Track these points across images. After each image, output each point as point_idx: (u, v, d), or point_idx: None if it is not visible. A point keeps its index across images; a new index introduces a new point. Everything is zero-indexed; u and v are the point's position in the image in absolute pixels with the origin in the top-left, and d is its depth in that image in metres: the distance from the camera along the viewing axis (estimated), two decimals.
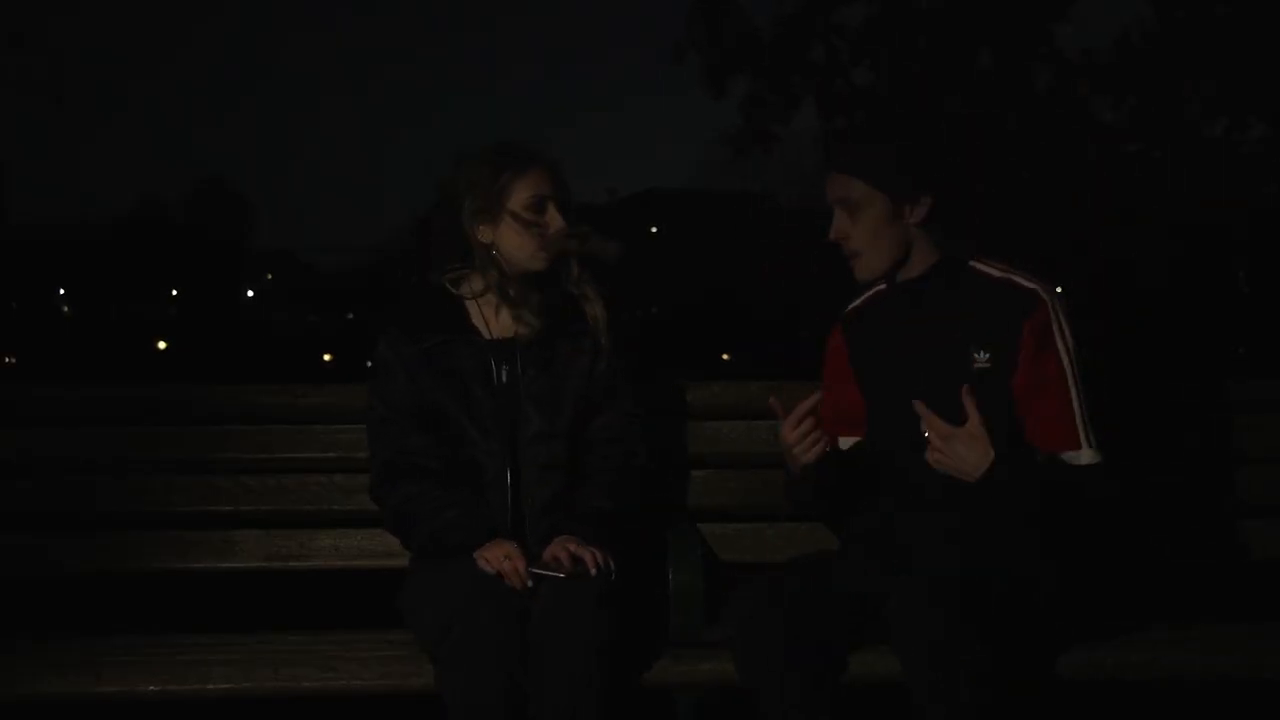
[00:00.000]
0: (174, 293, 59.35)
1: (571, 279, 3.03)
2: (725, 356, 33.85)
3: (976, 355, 2.79)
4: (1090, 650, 2.81)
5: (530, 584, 2.72)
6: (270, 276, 67.70)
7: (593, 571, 2.73)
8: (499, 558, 2.75)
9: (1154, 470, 3.18)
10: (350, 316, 55.20)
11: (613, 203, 49.43)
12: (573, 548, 2.76)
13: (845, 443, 2.97)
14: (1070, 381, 2.76)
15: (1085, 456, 2.74)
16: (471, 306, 3.01)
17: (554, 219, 2.97)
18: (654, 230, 47.90)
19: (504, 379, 2.95)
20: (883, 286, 2.95)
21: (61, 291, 59.48)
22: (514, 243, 2.97)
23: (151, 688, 2.75)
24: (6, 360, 44.96)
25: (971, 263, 2.87)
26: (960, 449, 2.67)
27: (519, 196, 2.96)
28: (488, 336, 2.98)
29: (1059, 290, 2.81)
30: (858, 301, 3.04)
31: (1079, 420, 2.74)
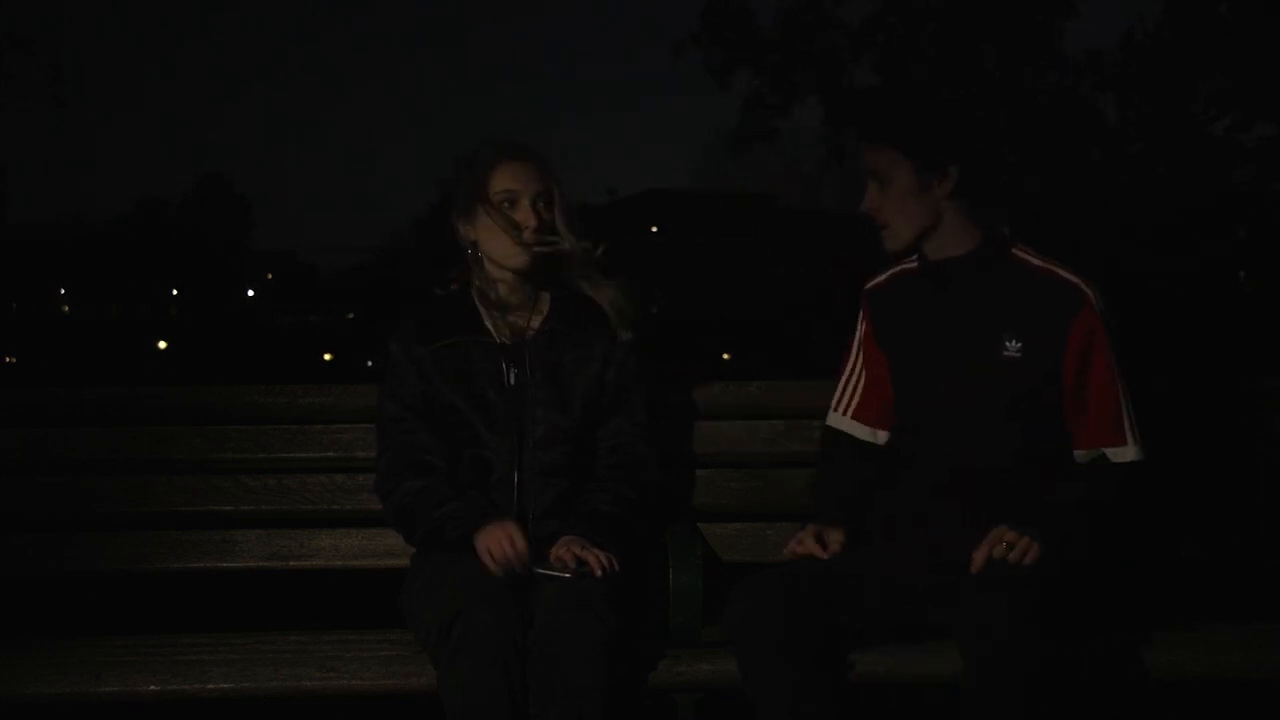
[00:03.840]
0: (174, 293, 59.35)
1: (574, 274, 3.00)
2: (725, 356, 33.81)
3: (1007, 344, 2.75)
4: (1090, 650, 2.80)
5: (530, 567, 2.73)
6: (270, 276, 67.64)
7: (597, 573, 2.73)
8: (499, 540, 2.74)
9: (1163, 466, 3.17)
10: (350, 316, 55.15)
11: (613, 203, 49.40)
12: (577, 549, 2.76)
13: (882, 436, 2.95)
14: (1119, 378, 2.73)
15: (1129, 453, 2.72)
16: (484, 308, 3.00)
17: (525, 215, 2.93)
18: (654, 230, 47.89)
19: (513, 381, 2.95)
20: (911, 265, 2.91)
21: (62, 291, 59.47)
22: (491, 240, 2.95)
23: (151, 688, 2.75)
24: (6, 360, 44.95)
25: (1012, 249, 2.82)
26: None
27: (492, 192, 2.94)
28: (499, 339, 2.98)
29: (1098, 286, 2.77)
30: (881, 278, 2.98)
31: (1127, 417, 2.72)
